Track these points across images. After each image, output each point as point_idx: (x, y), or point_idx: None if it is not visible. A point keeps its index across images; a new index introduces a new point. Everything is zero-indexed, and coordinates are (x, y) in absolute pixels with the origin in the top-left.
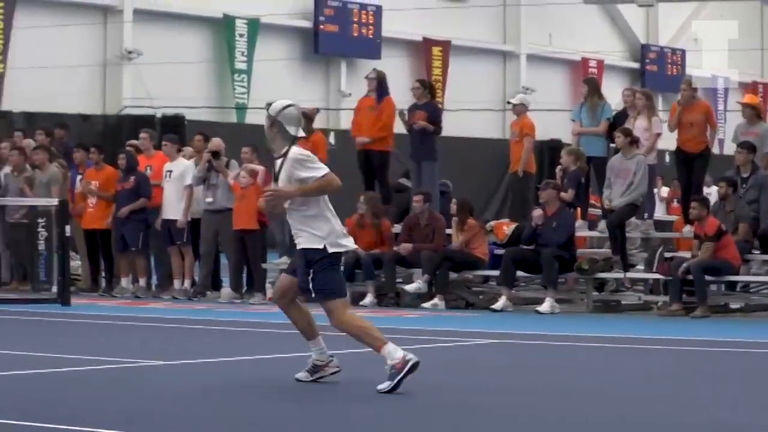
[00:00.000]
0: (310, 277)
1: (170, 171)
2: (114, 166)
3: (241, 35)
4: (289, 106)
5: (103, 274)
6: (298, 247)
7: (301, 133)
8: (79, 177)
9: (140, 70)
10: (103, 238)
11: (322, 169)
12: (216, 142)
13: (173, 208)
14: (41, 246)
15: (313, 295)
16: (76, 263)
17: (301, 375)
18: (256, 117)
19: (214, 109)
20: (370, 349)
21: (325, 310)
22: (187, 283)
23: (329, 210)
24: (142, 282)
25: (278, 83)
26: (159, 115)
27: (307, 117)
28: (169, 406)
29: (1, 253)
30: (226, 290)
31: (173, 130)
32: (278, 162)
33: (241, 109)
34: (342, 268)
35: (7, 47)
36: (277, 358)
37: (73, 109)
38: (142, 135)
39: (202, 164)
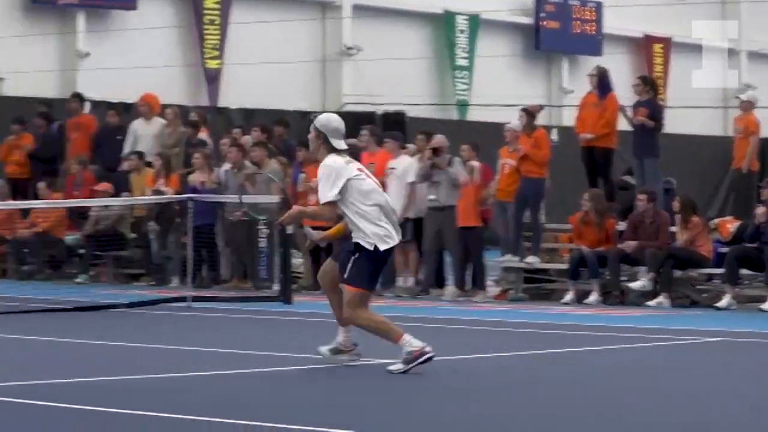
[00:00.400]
0: (351, 261)
1: (393, 168)
2: None
3: (461, 31)
4: (334, 119)
5: None
6: (353, 239)
7: (343, 146)
8: (301, 175)
9: (360, 67)
10: None
11: (327, 196)
12: (438, 140)
13: (396, 206)
14: (262, 244)
15: (345, 275)
16: (297, 261)
17: (323, 350)
18: (477, 114)
19: (435, 106)
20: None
21: (344, 296)
22: (410, 281)
23: (376, 213)
24: None
25: (499, 80)
26: (380, 112)
27: (530, 114)
28: (395, 406)
29: (221, 250)
30: (450, 288)
31: (394, 127)
32: None
33: (463, 106)
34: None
35: (224, 43)
36: (497, 357)
37: (292, 105)
38: (363, 132)
39: (424, 162)
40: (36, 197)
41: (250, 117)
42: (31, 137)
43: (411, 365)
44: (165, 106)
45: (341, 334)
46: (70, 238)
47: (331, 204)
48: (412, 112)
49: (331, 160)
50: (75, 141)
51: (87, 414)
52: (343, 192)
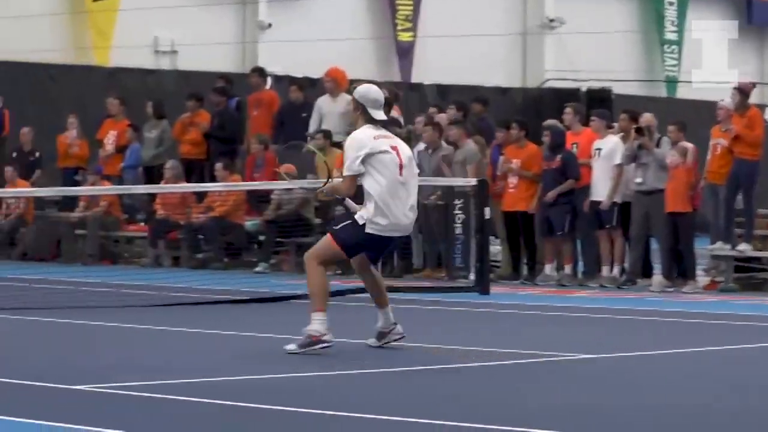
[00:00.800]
0: (347, 221)
1: (599, 149)
2: (537, 143)
3: (670, 3)
4: (374, 90)
5: (525, 260)
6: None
7: (381, 116)
8: (501, 156)
9: (563, 40)
10: (524, 221)
11: (346, 171)
12: (646, 118)
13: (602, 188)
14: (458, 230)
15: (334, 227)
16: (496, 248)
17: (371, 341)
18: (687, 91)
19: (642, 83)
20: None
21: (320, 242)
22: (616, 270)
23: (383, 198)
24: (567, 269)
25: (710, 55)
26: (584, 88)
27: (743, 92)
28: (601, 404)
29: (413, 237)
30: (658, 278)
31: (599, 104)
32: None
33: (672, 82)
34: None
35: (418, 14)
36: (707, 352)
37: (489, 81)
38: (567, 110)
39: (629, 142)
40: (213, 179)
41: (444, 93)
42: (207, 114)
43: (305, 349)
44: (353, 82)
45: (380, 317)
46: (250, 223)
47: (351, 177)
48: (618, 88)
49: (361, 133)
50: (255, 119)
51: (271, 414)
52: (365, 164)
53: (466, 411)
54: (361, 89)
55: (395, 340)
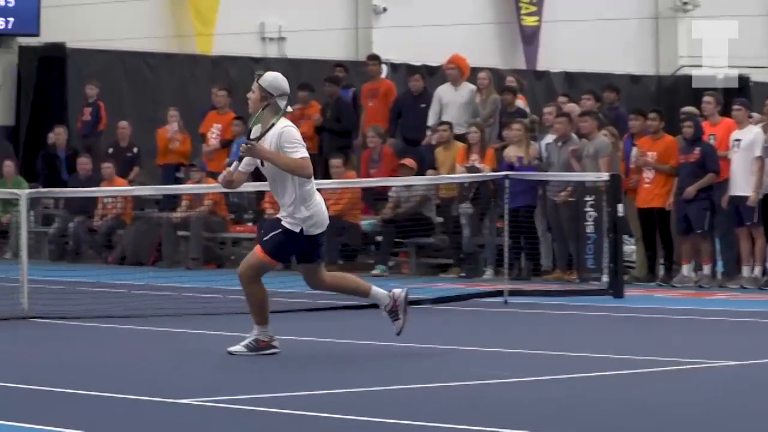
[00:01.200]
0: (275, 232)
1: (738, 140)
2: (672, 134)
3: None
4: (281, 78)
5: (661, 260)
6: (280, 221)
7: (289, 108)
8: (635, 148)
9: (698, 25)
10: (660, 218)
11: (298, 153)
12: None
13: (742, 182)
14: (589, 228)
15: (264, 239)
16: (630, 248)
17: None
18: None
19: None
20: None
21: (250, 256)
22: (757, 271)
23: (314, 192)
24: (706, 269)
25: None
26: (720, 76)
27: None
28: (749, 410)
29: (541, 237)
30: None
31: (737, 92)
32: (267, 133)
33: None
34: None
35: None
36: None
37: (620, 68)
38: (706, 98)
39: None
40: (325, 176)
41: (572, 82)
42: (319, 106)
43: (253, 353)
44: (475, 70)
45: (376, 300)
46: (366, 223)
47: (308, 160)
48: (756, 75)
49: (291, 123)
50: (371, 110)
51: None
52: None
53: (572, 422)
54: (268, 77)
55: (403, 299)
